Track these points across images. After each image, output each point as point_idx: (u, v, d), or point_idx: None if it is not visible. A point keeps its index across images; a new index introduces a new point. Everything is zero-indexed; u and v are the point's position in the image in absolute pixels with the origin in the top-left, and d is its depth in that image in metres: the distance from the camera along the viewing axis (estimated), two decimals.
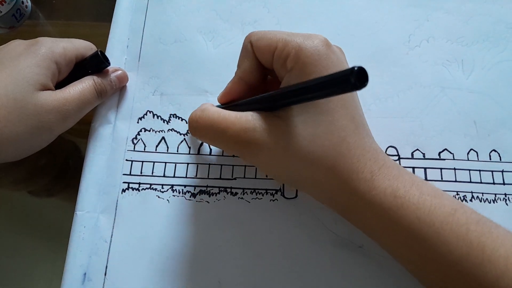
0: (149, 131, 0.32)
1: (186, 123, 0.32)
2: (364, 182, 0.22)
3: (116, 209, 0.29)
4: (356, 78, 0.16)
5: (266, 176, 0.30)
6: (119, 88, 0.33)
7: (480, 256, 0.19)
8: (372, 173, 0.22)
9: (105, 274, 0.28)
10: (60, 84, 0.29)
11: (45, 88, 0.28)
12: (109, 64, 0.31)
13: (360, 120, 0.24)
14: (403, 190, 0.22)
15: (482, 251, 0.19)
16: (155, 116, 0.32)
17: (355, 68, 0.16)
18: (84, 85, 0.29)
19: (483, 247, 0.20)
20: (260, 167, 0.26)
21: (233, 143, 0.24)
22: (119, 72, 0.32)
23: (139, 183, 0.30)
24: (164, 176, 0.30)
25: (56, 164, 0.33)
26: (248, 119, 0.23)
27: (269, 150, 0.23)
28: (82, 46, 0.31)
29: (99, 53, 0.30)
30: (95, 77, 0.30)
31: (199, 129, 0.26)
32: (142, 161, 0.31)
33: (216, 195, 0.30)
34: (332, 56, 0.23)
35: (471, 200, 0.29)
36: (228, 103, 0.28)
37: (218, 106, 0.27)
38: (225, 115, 0.24)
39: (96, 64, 0.31)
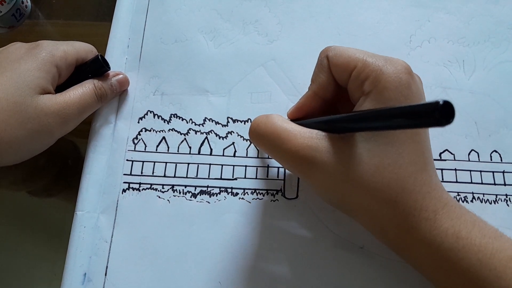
0: (150, 131, 0.32)
1: (187, 123, 0.32)
2: (426, 220, 0.21)
3: (116, 209, 0.29)
4: (441, 114, 0.14)
5: (267, 176, 0.30)
6: (120, 92, 0.33)
7: None
8: (436, 212, 0.21)
9: (106, 275, 0.28)
10: (60, 87, 0.29)
11: (45, 92, 0.28)
12: (109, 68, 0.31)
13: (429, 157, 0.23)
14: (465, 231, 0.21)
15: None
16: (156, 116, 0.32)
17: (441, 102, 0.14)
18: (85, 89, 0.29)
19: None
20: (313, 187, 0.25)
21: (290, 157, 0.23)
22: (120, 76, 0.32)
23: (140, 183, 0.30)
24: (164, 176, 0.30)
25: (56, 164, 0.33)
26: (312, 136, 0.23)
27: (327, 172, 0.22)
28: (83, 49, 0.31)
29: (99, 57, 0.30)
30: (95, 81, 0.30)
31: (259, 134, 0.25)
32: (143, 161, 0.31)
33: (216, 195, 0.29)
34: (413, 86, 0.22)
35: (472, 201, 0.29)
36: (299, 119, 0.26)
37: None
38: (288, 126, 0.23)
39: (96, 68, 0.31)
